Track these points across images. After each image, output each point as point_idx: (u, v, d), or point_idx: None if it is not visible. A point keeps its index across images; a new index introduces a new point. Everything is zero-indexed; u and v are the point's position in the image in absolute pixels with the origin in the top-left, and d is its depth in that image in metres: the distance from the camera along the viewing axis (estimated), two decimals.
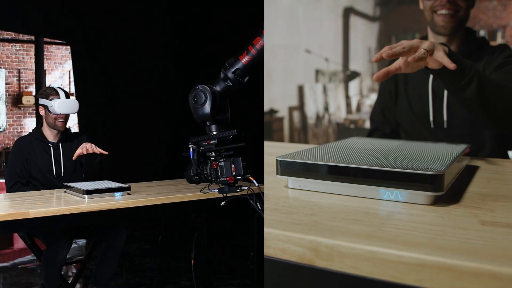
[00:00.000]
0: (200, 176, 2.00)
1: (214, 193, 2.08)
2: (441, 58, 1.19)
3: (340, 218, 0.93)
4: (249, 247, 2.41)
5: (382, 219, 0.93)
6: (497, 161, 1.57)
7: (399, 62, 1.25)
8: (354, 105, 6.23)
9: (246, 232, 2.47)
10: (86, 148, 2.42)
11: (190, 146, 1.97)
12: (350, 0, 6.00)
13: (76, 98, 3.24)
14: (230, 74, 1.82)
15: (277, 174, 1.14)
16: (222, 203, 2.01)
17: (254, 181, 1.86)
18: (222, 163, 1.94)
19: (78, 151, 2.44)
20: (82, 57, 5.47)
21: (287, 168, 1.13)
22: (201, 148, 1.98)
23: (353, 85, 6.18)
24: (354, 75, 6.08)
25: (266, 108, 5.48)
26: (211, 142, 1.95)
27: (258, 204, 1.73)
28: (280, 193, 1.14)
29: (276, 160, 1.14)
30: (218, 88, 1.86)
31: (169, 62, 5.66)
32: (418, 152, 1.24)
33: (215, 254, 2.80)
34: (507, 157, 1.93)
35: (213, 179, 2.00)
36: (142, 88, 5.40)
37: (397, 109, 2.01)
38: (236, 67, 1.80)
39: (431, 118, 1.85)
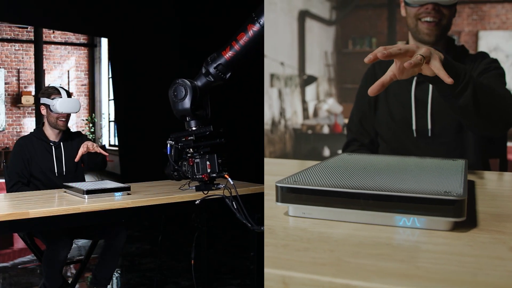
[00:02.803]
0: (179, 173, 1.95)
1: (213, 192, 2.07)
2: (437, 69, 1.14)
3: (364, 253, 0.84)
4: (249, 247, 2.41)
5: (411, 252, 0.85)
6: (488, 174, 1.54)
7: (392, 69, 1.18)
8: (311, 110, 6.09)
9: (246, 232, 2.47)
10: (87, 146, 2.46)
11: (167, 142, 1.92)
12: (305, 3, 5.86)
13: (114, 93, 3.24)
14: (212, 69, 1.77)
15: (277, 201, 1.01)
16: (197, 202, 1.97)
17: (229, 179, 1.83)
18: (198, 160, 1.89)
19: (81, 150, 2.47)
20: (119, 52, 5.42)
21: (288, 194, 1.00)
22: (180, 144, 1.93)
23: (310, 89, 6.05)
24: (311, 79, 5.96)
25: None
26: (189, 138, 1.90)
27: (234, 203, 1.69)
28: (283, 223, 1.01)
29: (276, 186, 1.01)
30: (199, 83, 1.82)
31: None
32: (423, 171, 1.17)
33: (215, 254, 2.80)
34: (488, 165, 1.92)
35: (190, 176, 1.96)
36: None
37: (377, 118, 1.95)
38: (219, 62, 1.75)
39: (413, 127, 1.80)
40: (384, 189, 0.94)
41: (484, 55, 1.86)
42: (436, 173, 1.15)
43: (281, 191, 1.01)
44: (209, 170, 1.88)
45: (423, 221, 0.92)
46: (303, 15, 5.92)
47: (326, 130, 6.08)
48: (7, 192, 2.50)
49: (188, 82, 1.78)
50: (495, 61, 1.83)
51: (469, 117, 1.49)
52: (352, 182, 1.01)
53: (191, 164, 1.89)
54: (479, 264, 0.78)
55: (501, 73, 1.78)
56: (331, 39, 6.41)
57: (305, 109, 6.04)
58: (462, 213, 0.88)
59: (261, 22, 1.68)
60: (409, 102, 1.79)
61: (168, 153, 1.92)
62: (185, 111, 1.81)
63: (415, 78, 1.79)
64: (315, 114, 6.15)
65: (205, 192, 1.91)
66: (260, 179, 2.52)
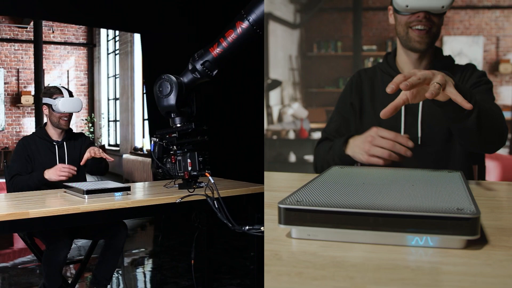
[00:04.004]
0: (164, 170, 1.93)
1: (213, 192, 2.06)
2: (454, 95, 1.17)
3: (386, 279, 0.79)
4: (249, 247, 2.41)
5: (433, 275, 0.81)
6: (477, 184, 1.53)
7: (406, 94, 1.22)
8: (275, 115, 6.07)
9: (246, 232, 2.46)
10: (94, 151, 2.47)
11: (151, 138, 1.90)
12: (268, 5, 5.88)
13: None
14: (198, 66, 1.73)
15: (279, 223, 0.94)
16: (178, 201, 1.95)
17: (210, 177, 1.80)
18: (180, 158, 1.87)
19: (87, 155, 2.48)
20: (151, 47, 5.37)
21: (292, 216, 0.94)
22: (164, 141, 1.90)
23: (274, 94, 6.02)
24: (275, 83, 5.90)
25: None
26: (173, 135, 1.87)
27: (215, 202, 1.66)
28: (287, 247, 0.94)
29: (279, 207, 0.94)
30: (185, 80, 1.78)
31: None
32: (425, 185, 1.14)
33: (215, 254, 2.80)
34: (472, 173, 1.91)
35: (173, 174, 1.93)
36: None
37: (363, 126, 1.93)
38: (206, 59, 1.71)
39: (402, 134, 1.79)
40: (395, 208, 0.91)
41: (473, 67, 1.87)
42: (439, 187, 1.12)
43: (285, 212, 0.94)
44: (190, 168, 1.85)
45: (436, 239, 0.90)
46: (266, 18, 5.91)
47: (291, 135, 5.99)
48: (7, 187, 2.51)
49: (173, 78, 1.75)
50: (484, 74, 1.85)
51: (471, 137, 1.51)
52: (359, 201, 0.97)
53: (174, 161, 1.86)
54: (506, 285, 0.76)
55: (490, 87, 1.80)
56: (295, 42, 6.34)
57: (269, 114, 5.98)
58: (476, 231, 0.87)
59: (250, 20, 1.65)
60: (400, 112, 1.78)
61: (152, 150, 1.89)
62: (170, 107, 1.78)
63: None
64: (280, 119, 6.09)
65: (191, 190, 1.88)
66: (260, 179, 2.52)
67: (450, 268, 0.83)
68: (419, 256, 0.88)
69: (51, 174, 2.41)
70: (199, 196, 1.89)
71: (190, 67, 1.75)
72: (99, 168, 2.61)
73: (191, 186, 1.92)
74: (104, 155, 2.50)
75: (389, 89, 1.13)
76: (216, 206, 1.63)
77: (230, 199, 2.30)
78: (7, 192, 2.53)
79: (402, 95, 1.22)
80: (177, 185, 2.09)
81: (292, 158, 5.82)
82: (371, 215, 0.90)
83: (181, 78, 1.79)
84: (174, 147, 1.88)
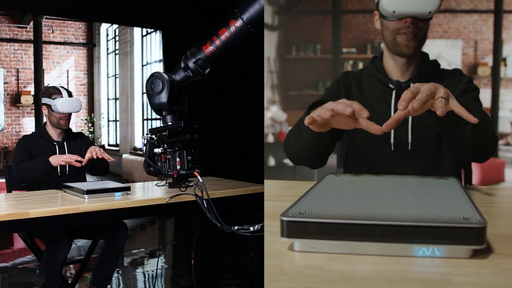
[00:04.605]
0: (155, 168, 1.92)
1: (213, 193, 2.06)
2: (458, 109, 1.17)
3: None
4: (249, 247, 2.41)
5: (444, 286, 0.81)
6: (469, 190, 1.52)
7: (408, 108, 1.20)
8: None
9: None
10: (96, 152, 2.45)
11: (142, 137, 1.89)
12: None
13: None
14: (191, 64, 1.71)
15: (282, 236, 0.92)
16: (167, 200, 1.94)
17: (199, 177, 1.79)
18: (169, 156, 1.86)
19: (88, 155, 2.46)
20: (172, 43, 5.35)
21: (296, 228, 0.91)
22: (156, 139, 1.89)
23: None
24: None
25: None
26: (163, 133, 1.86)
27: (204, 202, 1.65)
28: (291, 261, 0.91)
29: (282, 220, 0.92)
30: (177, 78, 1.76)
31: None
32: (425, 194, 1.13)
33: (215, 254, 2.80)
34: (461, 179, 1.90)
35: (164, 172, 1.92)
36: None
37: (351, 131, 1.93)
38: (198, 57, 1.69)
39: (392, 140, 1.78)
40: (401, 218, 0.90)
41: (460, 72, 1.87)
42: (440, 195, 1.12)
43: (288, 225, 0.91)
44: (179, 167, 1.84)
45: (443, 249, 0.90)
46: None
47: (270, 139, 5.96)
48: (11, 178, 2.52)
49: (165, 76, 1.73)
50: (471, 80, 1.85)
51: (464, 147, 1.51)
52: (363, 211, 0.96)
53: (164, 160, 1.85)
54: None
55: (477, 94, 1.80)
56: (273, 44, 6.31)
57: None
58: (484, 240, 0.88)
59: (244, 18, 1.63)
60: (388, 115, 1.77)
61: (143, 147, 1.89)
62: (161, 105, 1.76)
63: (394, 91, 1.78)
64: None
65: (182, 189, 1.87)
66: (260, 180, 2.52)
67: (460, 279, 0.83)
68: (426, 267, 0.87)
69: (54, 158, 2.41)
70: (190, 196, 1.88)
71: (182, 65, 1.73)
72: (100, 168, 2.61)
73: (181, 185, 1.91)
74: (105, 155, 2.49)
75: (401, 106, 1.14)
76: (205, 206, 1.61)
77: (230, 199, 2.30)
78: (12, 180, 2.52)
79: (403, 110, 1.21)
80: (167, 184, 2.08)
81: (271, 162, 5.79)
82: (378, 226, 0.89)
83: (173, 76, 1.77)
84: (165, 145, 1.87)
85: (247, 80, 4.84)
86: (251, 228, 1.45)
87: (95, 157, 2.46)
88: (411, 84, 1.74)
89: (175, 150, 1.85)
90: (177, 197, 1.99)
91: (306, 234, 0.91)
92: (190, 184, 1.95)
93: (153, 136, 1.87)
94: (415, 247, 0.90)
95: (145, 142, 1.90)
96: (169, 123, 1.84)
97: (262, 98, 5.25)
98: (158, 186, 2.19)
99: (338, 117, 1.23)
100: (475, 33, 7.57)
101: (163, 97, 1.74)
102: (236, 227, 1.50)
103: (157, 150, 1.89)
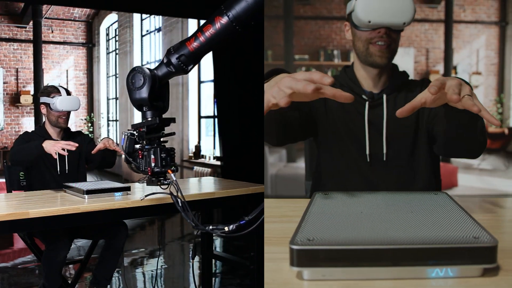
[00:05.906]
0: (135, 165, 1.90)
1: (213, 192, 2.06)
2: (483, 110, 1.17)
3: None
4: (249, 247, 2.41)
5: None
6: (463, 200, 1.54)
7: (425, 97, 1.19)
8: None
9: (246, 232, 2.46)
10: (109, 143, 2.45)
11: (123, 132, 1.87)
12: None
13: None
14: (174, 60, 1.68)
15: (292, 265, 0.88)
16: (141, 198, 1.93)
17: (172, 175, 1.78)
18: (145, 153, 1.85)
19: (100, 146, 2.46)
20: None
21: (307, 257, 0.87)
22: (135, 136, 1.87)
23: None
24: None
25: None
26: (142, 130, 1.85)
27: (179, 201, 1.63)
28: None
29: (291, 249, 0.87)
30: (159, 73, 1.74)
31: None
32: (427, 212, 1.13)
33: (215, 254, 2.80)
34: (440, 183, 1.89)
35: (141, 169, 1.90)
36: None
37: (323, 145, 1.89)
38: (182, 53, 1.67)
39: (367, 151, 1.77)
40: (413, 241, 0.90)
41: (429, 81, 1.87)
42: (439, 213, 1.12)
43: (298, 254, 0.86)
44: (153, 165, 1.83)
45: (455, 270, 0.91)
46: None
47: None
48: (10, 159, 2.48)
49: (147, 71, 1.71)
50: None
51: (474, 143, 1.54)
52: (372, 235, 0.95)
53: (141, 157, 1.84)
54: None
55: None
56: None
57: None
58: (495, 259, 0.89)
59: (229, 16, 1.61)
60: (362, 126, 1.77)
61: (122, 144, 1.87)
62: (142, 100, 1.73)
63: (367, 102, 1.78)
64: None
65: (164, 187, 1.86)
66: (260, 179, 2.52)
67: None
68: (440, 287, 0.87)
69: (48, 144, 2.34)
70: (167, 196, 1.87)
71: (165, 60, 1.71)
72: (109, 160, 2.60)
73: (156, 184, 1.90)
74: (117, 148, 2.47)
75: (433, 89, 1.14)
76: (180, 205, 1.59)
77: (230, 199, 2.30)
78: (9, 158, 2.49)
79: (421, 98, 1.19)
80: (144, 182, 2.07)
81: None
82: (392, 251, 0.87)
83: (155, 71, 1.76)
84: (144, 142, 1.86)
85: (249, 81, 4.82)
86: (226, 228, 1.43)
87: (109, 147, 2.45)
88: (384, 96, 1.76)
89: (151, 147, 1.83)
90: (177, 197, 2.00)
91: (318, 262, 0.87)
92: (165, 182, 1.93)
93: (134, 132, 1.86)
94: (428, 269, 0.89)
95: (124, 138, 1.89)
96: (149, 119, 1.82)
97: (262, 99, 5.23)
98: (140, 182, 2.18)
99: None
100: (427, 42, 7.78)
101: (144, 92, 1.71)
102: (210, 227, 1.49)
103: (137, 146, 1.88)
